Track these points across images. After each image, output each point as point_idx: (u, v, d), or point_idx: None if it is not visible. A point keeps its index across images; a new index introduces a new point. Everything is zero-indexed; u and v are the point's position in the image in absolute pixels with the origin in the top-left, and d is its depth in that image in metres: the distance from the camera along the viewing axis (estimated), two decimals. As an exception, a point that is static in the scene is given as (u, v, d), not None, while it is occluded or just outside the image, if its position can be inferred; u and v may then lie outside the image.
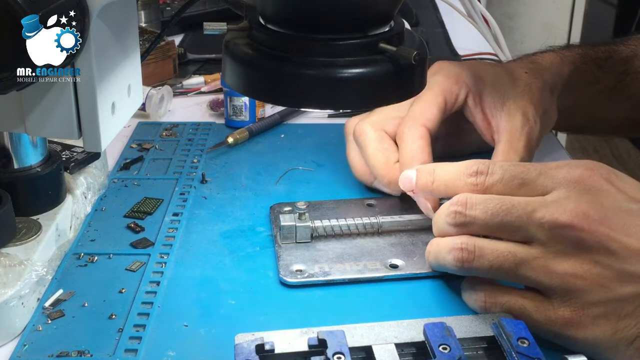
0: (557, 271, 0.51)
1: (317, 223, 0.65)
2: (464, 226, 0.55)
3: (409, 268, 0.62)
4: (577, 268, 0.50)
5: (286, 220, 0.65)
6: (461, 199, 0.55)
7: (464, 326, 0.51)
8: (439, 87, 0.70)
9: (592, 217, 0.50)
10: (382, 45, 0.49)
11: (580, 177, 0.52)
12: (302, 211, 0.65)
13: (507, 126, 0.69)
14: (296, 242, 0.65)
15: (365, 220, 0.66)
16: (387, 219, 0.66)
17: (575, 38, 2.87)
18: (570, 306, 0.51)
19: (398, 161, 0.68)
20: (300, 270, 0.61)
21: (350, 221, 0.66)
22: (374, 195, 0.73)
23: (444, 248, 0.56)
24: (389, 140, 0.70)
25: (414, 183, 0.61)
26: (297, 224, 0.64)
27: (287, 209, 0.69)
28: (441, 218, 0.57)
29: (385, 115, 0.71)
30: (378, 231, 0.66)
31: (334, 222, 0.66)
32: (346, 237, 0.66)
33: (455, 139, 0.77)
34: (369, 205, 0.71)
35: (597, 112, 0.86)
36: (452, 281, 0.60)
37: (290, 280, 0.60)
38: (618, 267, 0.50)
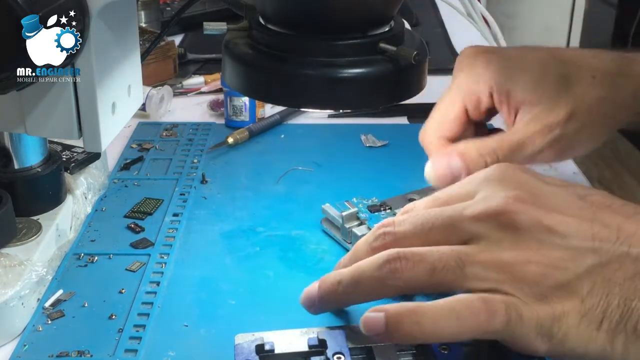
0: (506, 260, 0.46)
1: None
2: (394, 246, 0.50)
3: None
4: (526, 252, 0.46)
5: (362, 230, 0.62)
6: (387, 221, 0.52)
7: (464, 326, 0.51)
8: (458, 89, 0.63)
9: (523, 199, 0.47)
10: (382, 45, 0.49)
11: (499, 170, 0.51)
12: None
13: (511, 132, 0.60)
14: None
15: None
16: None
17: (575, 38, 2.87)
18: (533, 297, 0.45)
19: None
20: None
21: None
22: (414, 188, 0.69)
23: (369, 267, 0.49)
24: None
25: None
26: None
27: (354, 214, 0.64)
28: (363, 245, 0.52)
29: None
30: None
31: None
32: None
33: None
34: (411, 199, 0.66)
35: None
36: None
37: None
38: (563, 244, 0.46)
